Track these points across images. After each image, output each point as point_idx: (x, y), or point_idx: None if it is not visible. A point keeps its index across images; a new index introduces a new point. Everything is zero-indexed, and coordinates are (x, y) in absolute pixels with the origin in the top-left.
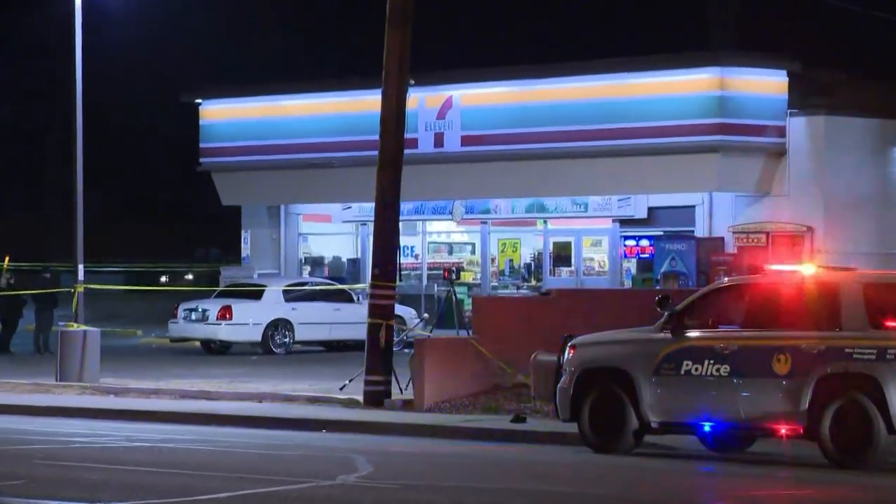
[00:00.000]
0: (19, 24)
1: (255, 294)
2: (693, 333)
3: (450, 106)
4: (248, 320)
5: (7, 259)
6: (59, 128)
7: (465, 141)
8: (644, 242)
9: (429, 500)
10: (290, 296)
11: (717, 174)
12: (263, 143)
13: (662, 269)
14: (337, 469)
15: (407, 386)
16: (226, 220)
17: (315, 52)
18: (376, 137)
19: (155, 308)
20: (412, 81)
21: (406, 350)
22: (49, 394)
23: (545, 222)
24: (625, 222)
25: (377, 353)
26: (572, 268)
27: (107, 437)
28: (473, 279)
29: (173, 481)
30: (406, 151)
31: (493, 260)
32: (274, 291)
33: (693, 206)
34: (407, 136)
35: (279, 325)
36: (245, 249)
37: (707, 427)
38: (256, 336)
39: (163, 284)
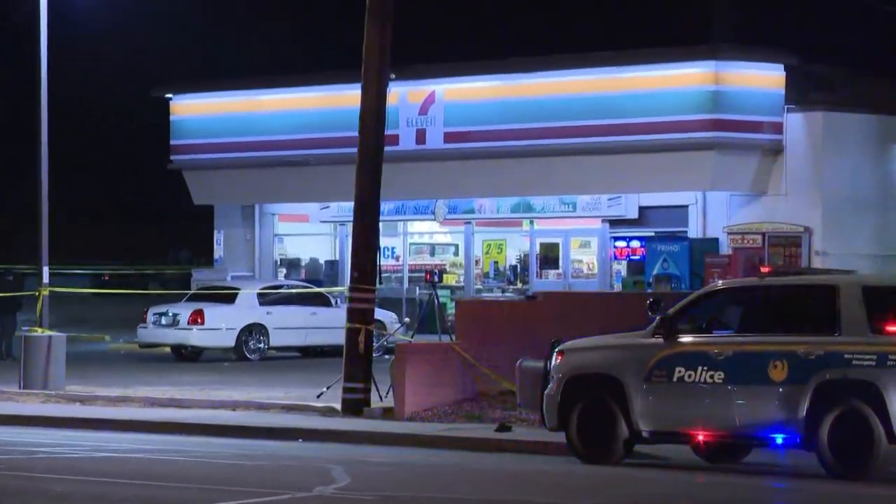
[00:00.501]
0: None
1: (229, 297)
2: (686, 339)
3: (432, 101)
4: (220, 325)
5: None
6: (25, 125)
7: (449, 138)
8: (635, 243)
9: None
10: (265, 299)
11: (712, 172)
12: (237, 140)
13: (654, 272)
14: (314, 480)
15: (387, 393)
16: (198, 220)
17: (292, 46)
18: (355, 134)
19: (124, 312)
20: (393, 75)
21: (386, 356)
22: (12, 402)
23: (532, 222)
24: (615, 222)
25: (356, 359)
26: (560, 270)
27: (72, 446)
28: (457, 282)
29: (142, 493)
30: (387, 149)
31: (477, 262)
32: (248, 295)
33: (686, 206)
34: (388, 132)
35: (253, 330)
36: (218, 251)
37: (700, 436)
38: (229, 341)
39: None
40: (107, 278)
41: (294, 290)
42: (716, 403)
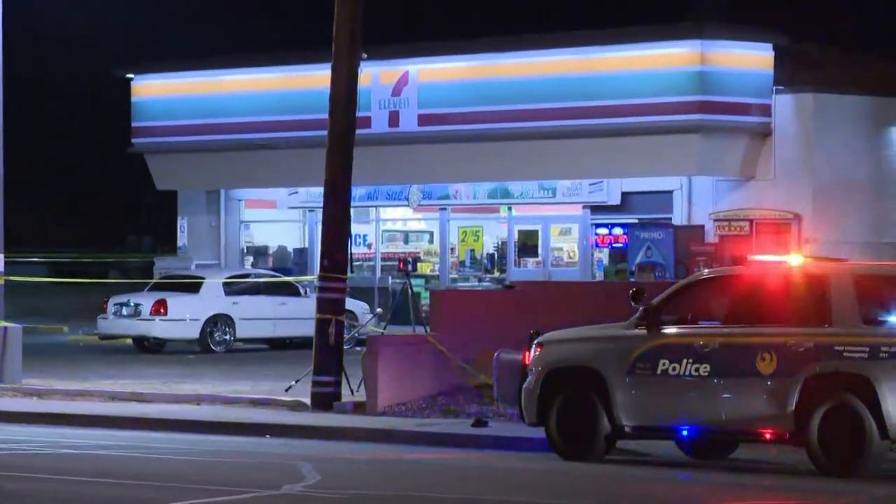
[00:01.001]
0: None
1: (193, 287)
2: (670, 330)
3: (406, 82)
4: (184, 315)
5: None
6: None
7: (423, 120)
8: (617, 231)
9: None
10: (231, 289)
11: (697, 156)
12: (201, 123)
13: (637, 260)
14: (282, 478)
15: (358, 387)
16: (160, 206)
17: (259, 23)
18: (325, 116)
19: (83, 302)
20: (365, 55)
21: (358, 348)
22: None
23: (509, 209)
24: (596, 209)
25: (326, 351)
26: (539, 258)
27: (29, 443)
28: (431, 271)
29: (101, 491)
30: (358, 131)
31: (452, 250)
32: (213, 284)
33: (671, 192)
34: (359, 114)
35: (219, 321)
36: (181, 238)
37: (685, 431)
38: (194, 333)
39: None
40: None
41: (261, 280)
42: (701, 397)
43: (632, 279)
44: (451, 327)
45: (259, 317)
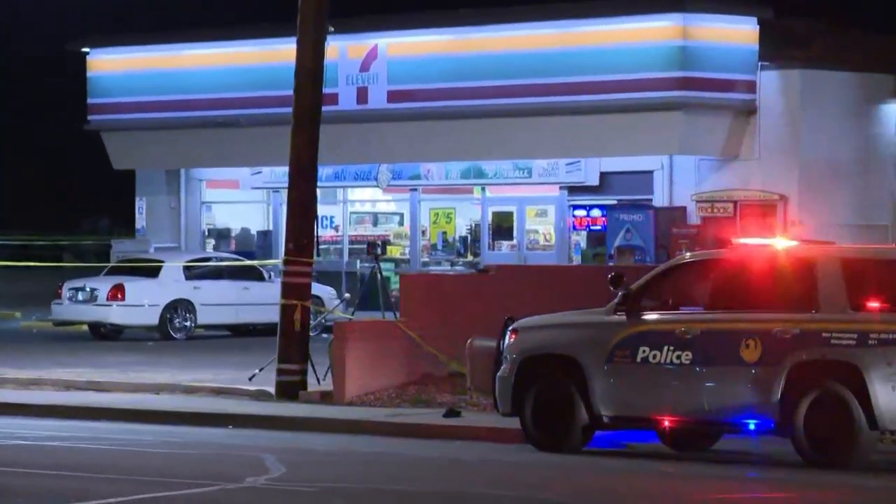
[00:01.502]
0: None
1: (152, 271)
2: (650, 316)
3: (375, 57)
4: (143, 301)
5: None
6: None
7: (393, 97)
8: (595, 213)
9: None
10: (192, 273)
11: (679, 135)
12: (161, 99)
13: (616, 243)
14: (245, 470)
15: (325, 376)
16: (118, 186)
17: None
18: (290, 92)
19: (36, 287)
20: (332, 28)
21: (324, 335)
22: None
23: (483, 189)
24: (574, 190)
25: (291, 338)
26: (514, 241)
27: None
28: (401, 254)
29: (55, 484)
30: (325, 108)
31: (423, 232)
32: (173, 268)
33: (651, 172)
34: (326, 90)
35: (179, 307)
36: (140, 220)
37: (666, 422)
38: (153, 319)
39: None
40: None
41: (223, 263)
42: (683, 386)
43: (610, 263)
44: (422, 313)
45: (221, 302)
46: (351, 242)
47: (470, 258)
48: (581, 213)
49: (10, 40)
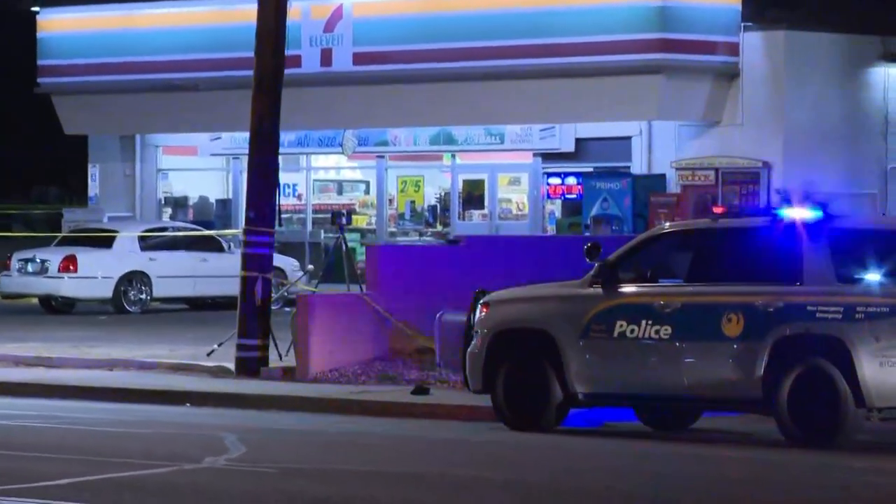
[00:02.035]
0: None
1: (105, 241)
2: (628, 289)
3: (340, 17)
4: (96, 273)
5: None
6: None
7: (358, 59)
8: (571, 180)
9: (312, 487)
10: (148, 243)
11: (658, 99)
12: (114, 61)
13: (592, 213)
14: (203, 450)
15: (288, 351)
16: (69, 152)
17: None
18: (251, 54)
19: None
20: None
21: (287, 309)
22: None
23: (453, 156)
24: (548, 156)
25: (252, 312)
26: (485, 211)
27: None
28: (367, 224)
29: (3, 465)
30: (287, 71)
31: (390, 201)
32: (127, 238)
33: (629, 138)
34: (288, 52)
35: (134, 279)
36: (93, 188)
37: (644, 399)
38: (106, 292)
39: None
40: None
41: (181, 234)
42: (662, 362)
43: (586, 233)
44: (389, 286)
45: (178, 274)
46: (314, 212)
47: (439, 228)
48: (556, 181)
49: None
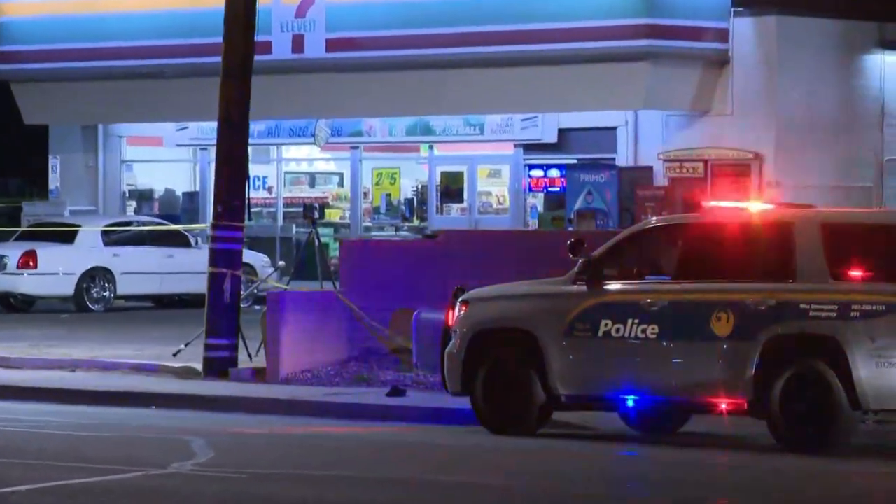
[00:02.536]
0: None
1: (67, 236)
2: (614, 286)
3: (312, 1)
4: (57, 269)
5: None
6: None
7: (332, 45)
8: (554, 173)
9: (285, 492)
10: (111, 238)
11: (645, 88)
12: (77, 47)
13: (576, 206)
14: (169, 455)
15: (258, 351)
16: (29, 143)
17: None
18: (219, 40)
19: None
20: None
21: (257, 307)
22: None
23: (431, 147)
24: (530, 148)
25: (220, 310)
26: (465, 204)
27: None
28: (341, 218)
29: None
30: (257, 58)
31: (365, 194)
32: (90, 233)
33: (614, 128)
34: (258, 38)
35: (97, 276)
36: (53, 180)
37: (630, 401)
38: (68, 289)
39: None
40: None
41: (146, 228)
42: (648, 363)
43: (570, 228)
44: (363, 283)
45: (143, 270)
46: (285, 205)
47: (416, 223)
48: (538, 173)
49: None
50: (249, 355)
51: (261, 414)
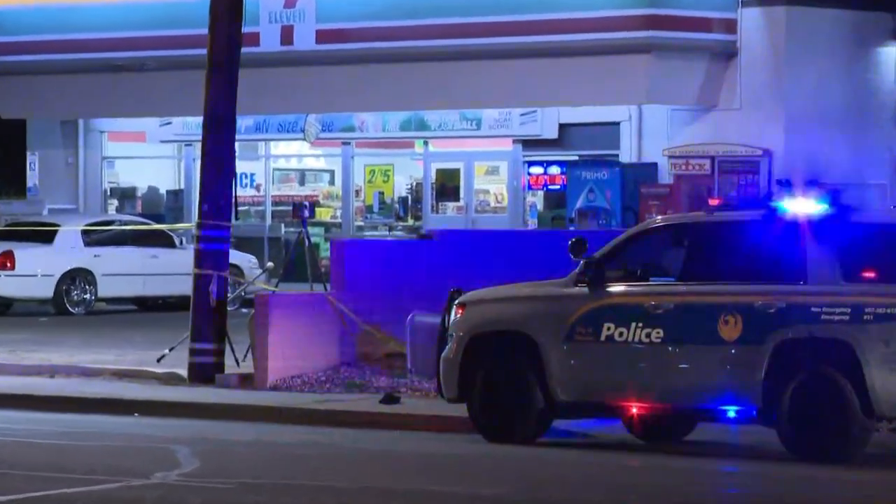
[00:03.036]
0: None
1: (46, 236)
2: (617, 288)
3: None
4: (35, 270)
5: None
6: None
7: (322, 37)
8: (554, 170)
9: (272, 503)
10: (92, 238)
11: (649, 81)
12: (55, 39)
13: (578, 205)
14: (153, 464)
15: (245, 356)
16: (5, 139)
17: None
18: (204, 32)
19: None
20: None
21: (244, 310)
22: None
23: (426, 143)
24: (529, 144)
25: (206, 313)
26: (461, 203)
27: None
28: (332, 217)
29: None
30: (244, 50)
31: (357, 192)
32: (70, 233)
33: (617, 123)
34: (246, 30)
35: (77, 277)
36: (32, 178)
37: (634, 408)
38: (47, 291)
39: None
40: None
41: (128, 228)
42: (653, 368)
43: (571, 227)
44: (356, 285)
45: (125, 272)
46: (274, 204)
47: (411, 222)
48: (537, 170)
49: None
50: (237, 360)
51: (248, 422)
